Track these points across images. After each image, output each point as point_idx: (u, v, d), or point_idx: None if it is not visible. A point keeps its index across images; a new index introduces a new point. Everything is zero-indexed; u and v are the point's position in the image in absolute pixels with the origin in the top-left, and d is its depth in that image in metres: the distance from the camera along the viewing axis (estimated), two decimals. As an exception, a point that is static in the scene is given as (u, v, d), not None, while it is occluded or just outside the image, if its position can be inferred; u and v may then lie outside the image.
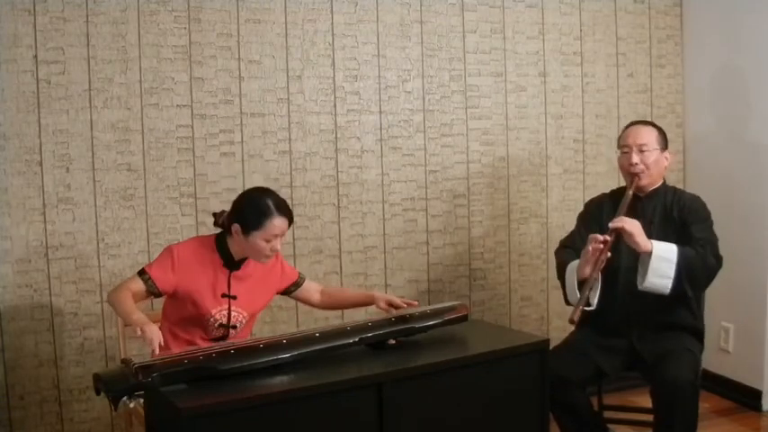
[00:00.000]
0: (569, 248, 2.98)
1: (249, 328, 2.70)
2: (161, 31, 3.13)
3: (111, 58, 3.06)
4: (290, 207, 2.55)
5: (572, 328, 3.12)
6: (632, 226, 2.72)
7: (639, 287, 2.75)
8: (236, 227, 2.48)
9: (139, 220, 3.15)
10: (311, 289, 2.80)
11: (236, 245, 2.53)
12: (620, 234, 2.73)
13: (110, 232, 3.10)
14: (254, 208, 2.48)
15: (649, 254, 2.70)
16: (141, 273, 2.48)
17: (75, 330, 3.08)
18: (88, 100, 3.04)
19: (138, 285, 2.46)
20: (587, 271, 2.70)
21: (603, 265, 2.68)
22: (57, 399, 3.07)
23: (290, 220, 2.53)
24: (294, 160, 3.37)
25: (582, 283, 2.73)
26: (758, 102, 3.67)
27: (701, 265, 2.74)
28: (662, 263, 2.70)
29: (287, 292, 2.76)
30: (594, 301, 2.71)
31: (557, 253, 3.05)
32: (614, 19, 3.94)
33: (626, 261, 2.86)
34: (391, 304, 2.64)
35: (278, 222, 2.46)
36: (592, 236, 2.73)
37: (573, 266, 2.84)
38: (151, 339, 2.23)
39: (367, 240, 3.53)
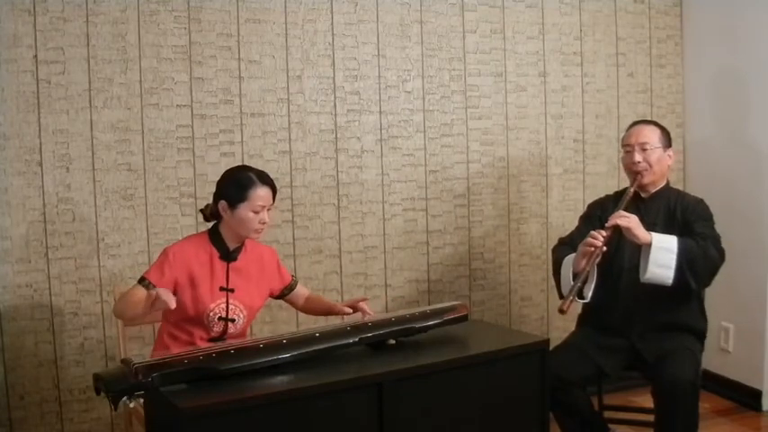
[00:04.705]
0: (566, 245, 2.99)
1: (247, 328, 2.70)
2: (161, 31, 3.13)
3: (111, 58, 3.06)
4: (274, 179, 2.58)
5: (572, 328, 3.13)
6: (629, 221, 2.73)
7: (642, 279, 2.75)
8: (222, 204, 2.52)
9: (139, 220, 3.15)
10: (301, 293, 2.82)
11: (226, 227, 2.55)
12: (619, 230, 2.74)
13: (110, 232, 3.10)
14: (236, 181, 2.52)
15: (649, 245, 2.71)
16: (141, 280, 2.49)
17: (75, 330, 3.08)
18: (88, 100, 3.04)
19: (141, 292, 2.44)
20: (583, 264, 2.72)
21: (599, 258, 2.69)
22: (57, 399, 3.07)
23: (274, 190, 2.56)
24: (294, 160, 3.37)
25: (577, 276, 2.74)
26: (758, 101, 3.67)
27: (701, 255, 2.74)
28: (662, 252, 2.71)
29: (281, 295, 2.77)
30: (589, 294, 2.72)
31: (554, 250, 3.06)
32: (614, 19, 3.94)
33: (628, 260, 2.87)
34: (353, 307, 2.66)
35: (261, 192, 2.50)
36: (591, 232, 2.74)
37: (569, 259, 2.85)
38: (166, 300, 2.25)
39: (367, 240, 3.52)
